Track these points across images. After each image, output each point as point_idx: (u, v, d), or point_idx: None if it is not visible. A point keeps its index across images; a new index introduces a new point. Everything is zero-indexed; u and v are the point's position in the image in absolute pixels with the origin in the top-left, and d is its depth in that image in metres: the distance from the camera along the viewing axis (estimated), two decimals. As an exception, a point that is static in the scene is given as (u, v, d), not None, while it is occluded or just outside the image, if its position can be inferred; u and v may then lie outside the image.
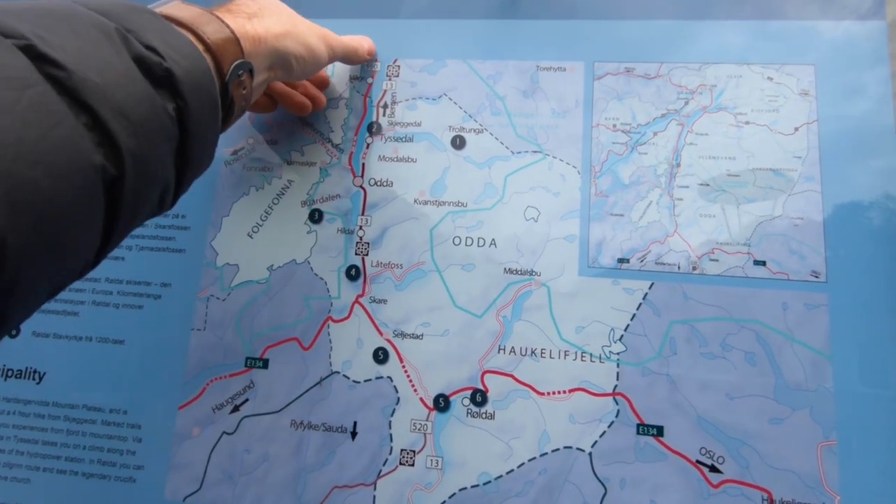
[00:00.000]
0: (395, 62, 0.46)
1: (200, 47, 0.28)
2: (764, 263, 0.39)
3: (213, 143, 0.29)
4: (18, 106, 0.18)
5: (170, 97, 0.24)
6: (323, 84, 0.45)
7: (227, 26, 0.30)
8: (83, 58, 0.21)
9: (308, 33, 0.37)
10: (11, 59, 0.19)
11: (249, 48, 0.32)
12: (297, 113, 0.43)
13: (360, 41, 0.44)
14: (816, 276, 0.38)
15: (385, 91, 0.45)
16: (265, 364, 0.42)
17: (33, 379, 0.44)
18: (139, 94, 0.23)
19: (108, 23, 0.23)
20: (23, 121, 0.18)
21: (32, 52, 0.20)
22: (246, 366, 0.42)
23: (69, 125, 0.20)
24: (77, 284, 0.45)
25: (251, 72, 0.32)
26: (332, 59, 0.41)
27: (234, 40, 0.30)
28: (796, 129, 0.41)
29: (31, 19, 0.21)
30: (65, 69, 0.20)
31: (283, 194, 0.44)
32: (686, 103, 0.42)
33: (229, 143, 0.46)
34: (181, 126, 0.25)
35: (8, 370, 0.44)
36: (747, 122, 0.41)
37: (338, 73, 0.46)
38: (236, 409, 0.41)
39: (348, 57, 0.43)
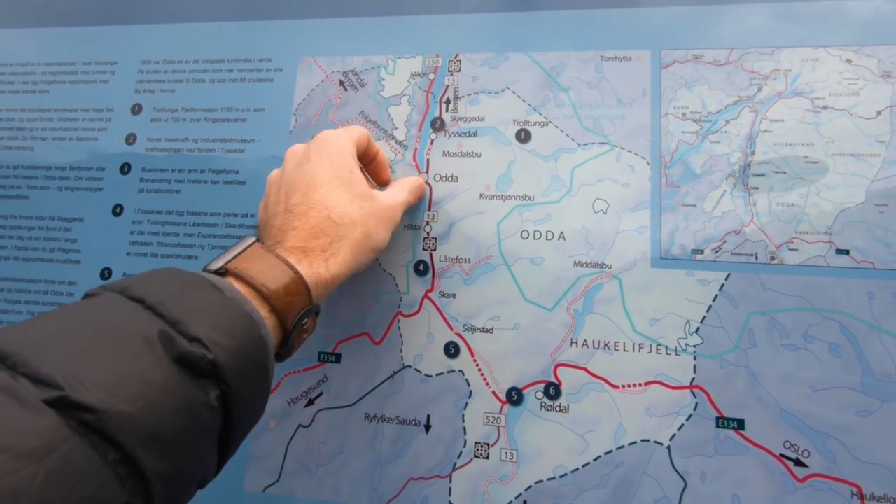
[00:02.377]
0: (455, 57, 0.46)
1: (264, 310, 0.29)
2: (847, 252, 0.38)
3: (261, 408, 0.29)
4: (36, 480, 0.18)
5: (214, 385, 0.25)
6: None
7: (301, 279, 0.31)
8: (118, 386, 0.21)
9: (381, 232, 0.37)
10: (37, 422, 0.19)
11: (320, 292, 0.33)
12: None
13: (417, 189, 0.42)
14: (904, 265, 0.37)
15: (447, 86, 0.46)
16: (338, 358, 0.42)
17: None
18: (177, 406, 0.23)
19: (154, 324, 0.24)
20: (41, 490, 0.18)
21: (63, 403, 0.20)
22: (319, 360, 0.43)
23: (94, 475, 0.20)
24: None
25: (317, 312, 0.33)
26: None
27: (305, 292, 0.31)
28: (878, 112, 0.39)
29: (72, 352, 0.22)
30: (95, 411, 0.20)
31: (349, 192, 0.45)
32: (759, 89, 0.41)
33: (295, 142, 0.46)
34: (225, 408, 0.25)
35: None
36: (825, 107, 0.40)
37: (399, 70, 0.47)
38: (311, 402, 0.42)
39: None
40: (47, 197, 0.50)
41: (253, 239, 0.33)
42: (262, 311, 0.29)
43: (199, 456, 0.25)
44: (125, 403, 0.21)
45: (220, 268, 0.30)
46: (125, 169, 0.49)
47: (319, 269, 0.32)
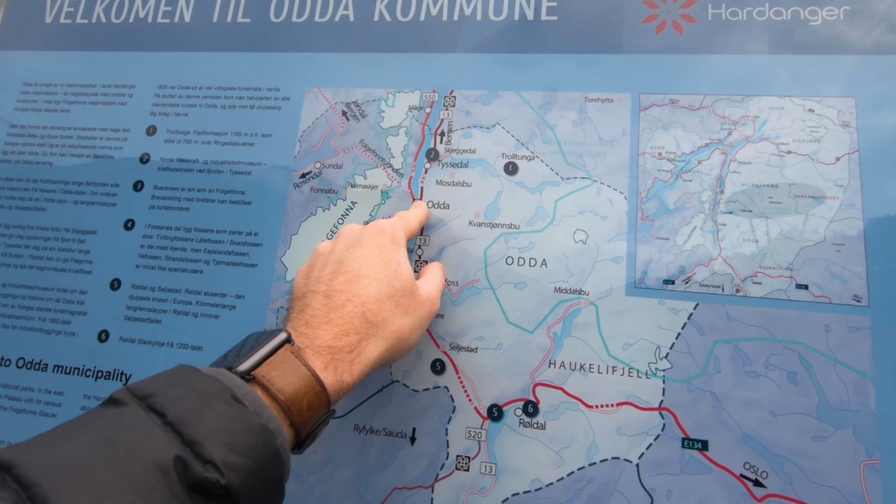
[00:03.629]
0: (451, 93, 0.50)
1: (284, 423, 0.29)
2: (806, 287, 0.41)
3: None
4: None
5: None
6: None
7: (325, 393, 0.31)
8: None
9: (414, 333, 0.38)
10: None
11: (340, 397, 0.33)
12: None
13: (421, 217, 0.45)
14: (858, 301, 0.40)
15: (442, 120, 0.49)
16: (331, 372, 0.45)
17: (120, 380, 0.48)
18: None
19: (171, 448, 0.24)
20: None
21: None
22: (313, 373, 0.45)
23: None
24: (160, 295, 0.49)
25: (333, 414, 0.33)
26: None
27: (325, 404, 0.31)
28: (837, 158, 0.42)
29: (90, 490, 0.22)
30: None
31: (348, 214, 0.48)
32: (729, 133, 0.44)
33: (298, 166, 0.50)
34: None
35: (98, 371, 0.49)
36: (789, 152, 0.43)
37: (398, 103, 0.50)
38: (304, 412, 0.45)
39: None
40: (63, 210, 0.53)
41: (284, 336, 0.32)
42: (282, 422, 0.29)
43: None
44: None
45: (247, 372, 0.30)
46: (138, 186, 0.53)
47: (343, 375, 0.33)
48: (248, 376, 0.30)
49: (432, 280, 0.42)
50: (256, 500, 0.26)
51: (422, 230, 0.47)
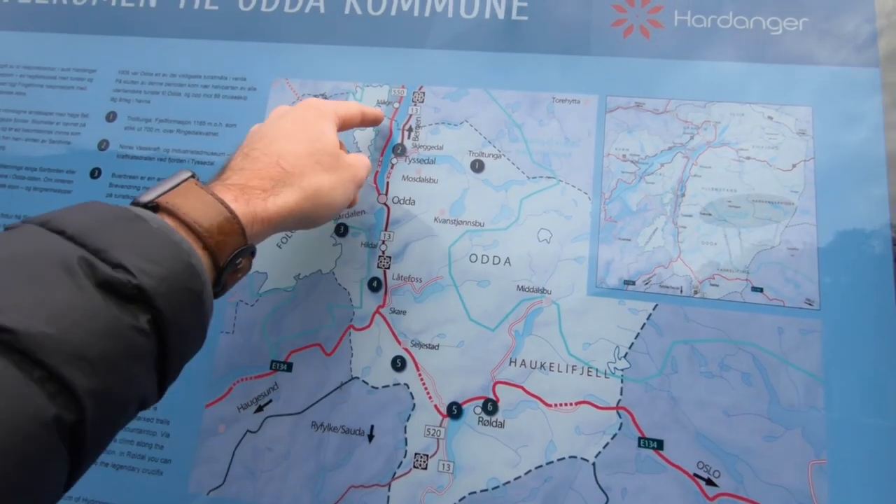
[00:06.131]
0: (420, 89, 0.49)
1: (197, 246, 0.28)
2: (761, 290, 0.41)
3: (200, 336, 0.29)
4: None
5: (143, 309, 0.24)
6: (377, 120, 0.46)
7: (235, 219, 0.30)
8: (36, 308, 0.21)
9: (336, 190, 0.37)
10: None
11: (256, 231, 0.32)
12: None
13: (366, 110, 0.44)
14: (810, 304, 0.41)
15: (410, 115, 0.49)
16: (289, 367, 0.44)
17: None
18: (101, 328, 0.23)
19: (73, 251, 0.23)
20: None
21: None
22: (271, 368, 0.44)
23: (16, 390, 0.20)
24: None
25: (253, 252, 0.33)
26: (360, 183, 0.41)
27: (239, 232, 0.30)
28: (794, 165, 0.43)
29: None
30: (12, 332, 0.20)
31: (312, 208, 0.47)
32: (691, 137, 0.45)
33: (262, 158, 0.49)
34: (158, 334, 0.25)
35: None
36: (748, 158, 0.44)
37: (366, 98, 0.50)
38: (260, 409, 0.44)
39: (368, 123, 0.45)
40: (14, 196, 0.51)
41: (188, 174, 0.31)
42: (193, 244, 0.28)
43: (134, 377, 0.24)
44: (44, 325, 0.21)
45: (150, 201, 0.29)
46: (95, 174, 0.51)
47: (256, 207, 0.32)
48: (152, 205, 0.29)
49: (360, 156, 0.41)
50: (175, 308, 0.25)
51: (387, 225, 0.46)
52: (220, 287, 0.31)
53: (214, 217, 0.29)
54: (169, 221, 0.28)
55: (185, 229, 0.28)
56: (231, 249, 0.30)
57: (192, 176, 0.31)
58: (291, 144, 0.35)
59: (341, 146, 0.40)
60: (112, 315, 0.23)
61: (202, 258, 0.28)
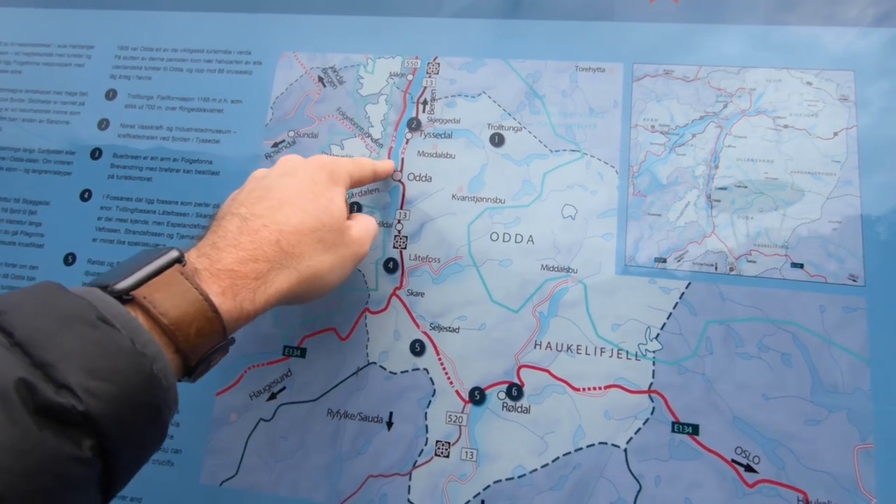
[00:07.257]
0: (434, 60, 0.47)
1: (168, 350, 0.26)
2: (801, 266, 0.39)
3: (156, 442, 0.26)
4: None
5: (87, 435, 0.22)
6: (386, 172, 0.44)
7: (218, 319, 0.28)
8: None
9: (335, 272, 0.35)
10: None
11: (240, 325, 0.30)
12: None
13: (378, 167, 0.42)
14: (854, 280, 0.38)
15: (425, 88, 0.46)
16: (303, 353, 0.42)
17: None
18: (32, 466, 0.20)
19: (13, 371, 0.21)
20: None
21: None
22: (284, 354, 0.42)
23: None
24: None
25: (231, 344, 0.30)
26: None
27: (219, 331, 0.28)
28: (835, 133, 0.41)
29: None
30: None
31: (323, 187, 0.45)
32: (725, 106, 0.42)
33: (270, 135, 0.47)
34: (104, 456, 0.23)
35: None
36: (786, 126, 0.41)
37: (378, 70, 0.47)
38: (273, 396, 0.42)
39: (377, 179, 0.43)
40: (12, 178, 0.49)
41: (175, 254, 0.28)
42: (164, 346, 0.26)
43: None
44: None
45: (126, 291, 0.26)
46: (96, 154, 0.49)
47: (244, 301, 0.30)
48: (126, 296, 0.26)
49: (366, 223, 0.38)
50: (126, 428, 0.23)
51: (402, 203, 0.44)
52: (191, 378, 0.29)
53: (194, 317, 0.27)
54: (141, 319, 0.26)
55: (157, 330, 0.26)
56: (206, 350, 0.28)
57: (180, 258, 0.28)
58: (296, 216, 0.33)
59: (348, 211, 0.37)
60: (48, 448, 0.21)
61: (171, 362, 0.26)
